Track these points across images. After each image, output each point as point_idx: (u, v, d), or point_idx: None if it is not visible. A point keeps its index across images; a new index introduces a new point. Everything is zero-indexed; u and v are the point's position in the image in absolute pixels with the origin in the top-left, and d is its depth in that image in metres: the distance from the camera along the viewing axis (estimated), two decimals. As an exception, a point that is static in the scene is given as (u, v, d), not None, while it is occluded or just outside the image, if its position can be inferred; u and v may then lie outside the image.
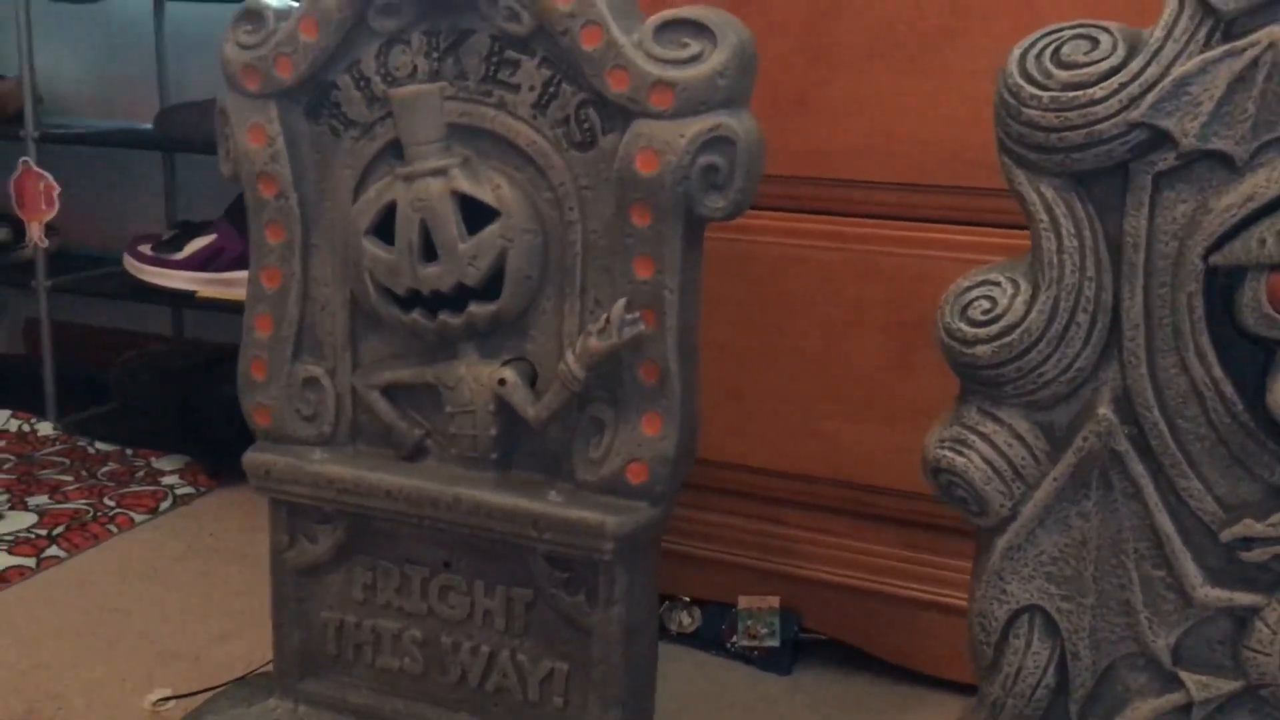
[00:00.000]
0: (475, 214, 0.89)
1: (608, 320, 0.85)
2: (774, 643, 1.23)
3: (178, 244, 1.79)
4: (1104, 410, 0.70)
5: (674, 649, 1.25)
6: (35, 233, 1.83)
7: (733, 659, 1.25)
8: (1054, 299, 0.69)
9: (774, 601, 1.23)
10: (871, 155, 1.10)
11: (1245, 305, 0.66)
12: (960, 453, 0.73)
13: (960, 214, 1.07)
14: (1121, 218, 0.68)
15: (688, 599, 1.27)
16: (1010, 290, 0.70)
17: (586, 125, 0.87)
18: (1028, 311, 0.70)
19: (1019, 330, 0.70)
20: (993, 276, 0.71)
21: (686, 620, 1.27)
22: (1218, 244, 0.66)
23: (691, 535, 1.24)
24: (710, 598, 1.26)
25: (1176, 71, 0.65)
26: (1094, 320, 0.69)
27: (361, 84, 0.92)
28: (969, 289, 0.72)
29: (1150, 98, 0.65)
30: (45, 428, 1.87)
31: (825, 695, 1.19)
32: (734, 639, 1.24)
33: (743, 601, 1.24)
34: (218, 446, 1.66)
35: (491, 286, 0.89)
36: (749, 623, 1.23)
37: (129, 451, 1.79)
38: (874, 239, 1.11)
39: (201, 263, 1.75)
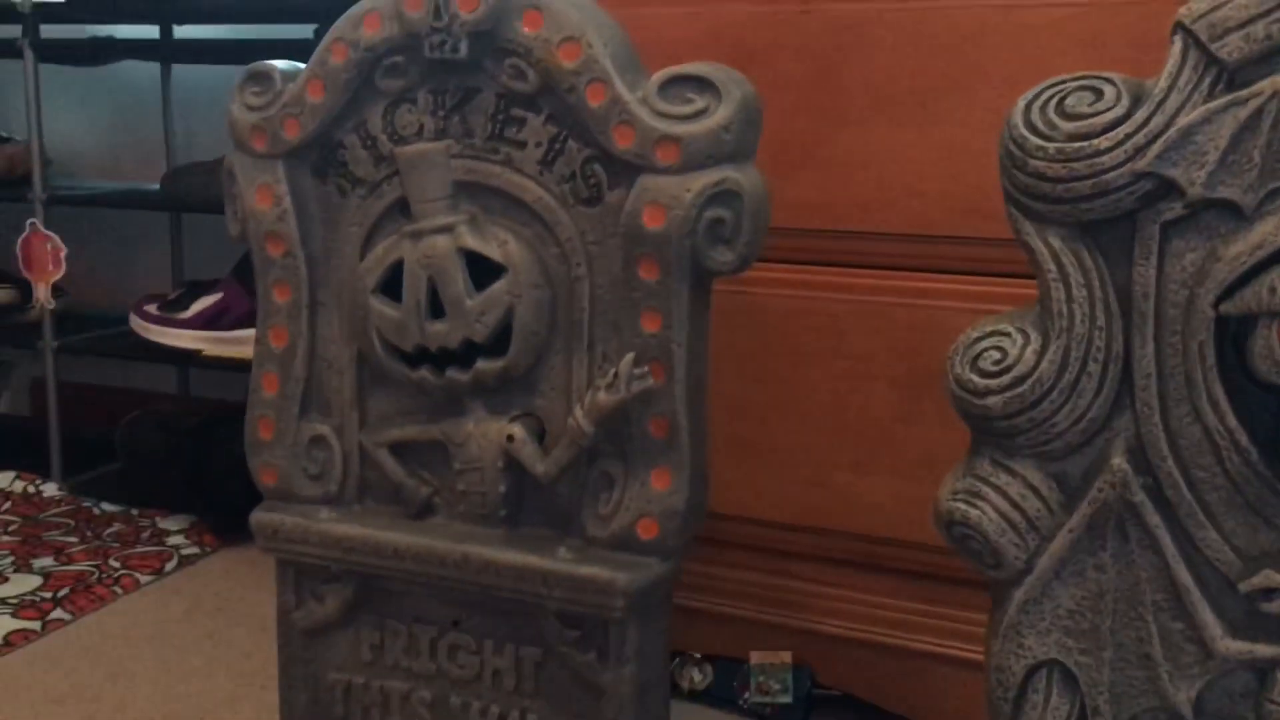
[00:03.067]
0: (482, 271, 0.89)
1: (616, 375, 0.85)
2: (787, 699, 1.21)
3: (184, 303, 1.79)
4: (1118, 460, 0.69)
5: (686, 707, 1.23)
6: (42, 294, 1.83)
7: (746, 716, 1.23)
8: (1064, 349, 0.69)
9: (786, 657, 1.21)
10: (877, 207, 1.10)
11: (1257, 353, 0.65)
12: (973, 505, 0.72)
13: (967, 264, 1.07)
14: (1130, 267, 0.68)
15: (698, 655, 1.26)
16: (1020, 340, 0.70)
17: (593, 181, 0.87)
18: (1038, 362, 0.69)
19: (1030, 381, 0.69)
20: (1002, 327, 0.71)
21: (698, 677, 1.26)
22: (1228, 292, 0.66)
23: (702, 590, 1.23)
24: (721, 653, 1.25)
25: (1181, 121, 0.65)
26: (1105, 370, 0.69)
27: (368, 143, 0.93)
28: (979, 339, 0.72)
29: (1156, 148, 0.65)
30: (50, 489, 1.86)
31: (840, 752, 1.18)
32: (747, 695, 1.23)
33: (755, 657, 1.22)
34: (224, 506, 1.65)
35: (499, 343, 0.89)
36: (761, 678, 1.22)
37: (134, 512, 1.78)
38: (881, 290, 1.11)
39: (207, 321, 1.76)
